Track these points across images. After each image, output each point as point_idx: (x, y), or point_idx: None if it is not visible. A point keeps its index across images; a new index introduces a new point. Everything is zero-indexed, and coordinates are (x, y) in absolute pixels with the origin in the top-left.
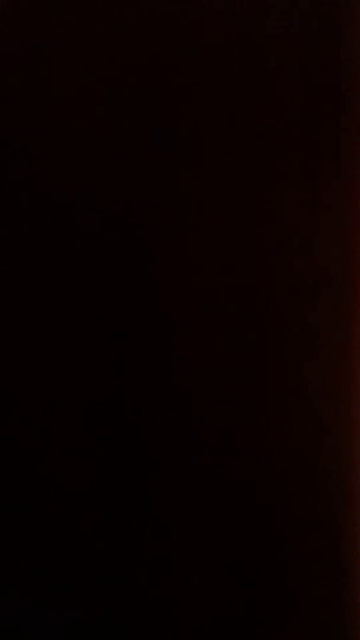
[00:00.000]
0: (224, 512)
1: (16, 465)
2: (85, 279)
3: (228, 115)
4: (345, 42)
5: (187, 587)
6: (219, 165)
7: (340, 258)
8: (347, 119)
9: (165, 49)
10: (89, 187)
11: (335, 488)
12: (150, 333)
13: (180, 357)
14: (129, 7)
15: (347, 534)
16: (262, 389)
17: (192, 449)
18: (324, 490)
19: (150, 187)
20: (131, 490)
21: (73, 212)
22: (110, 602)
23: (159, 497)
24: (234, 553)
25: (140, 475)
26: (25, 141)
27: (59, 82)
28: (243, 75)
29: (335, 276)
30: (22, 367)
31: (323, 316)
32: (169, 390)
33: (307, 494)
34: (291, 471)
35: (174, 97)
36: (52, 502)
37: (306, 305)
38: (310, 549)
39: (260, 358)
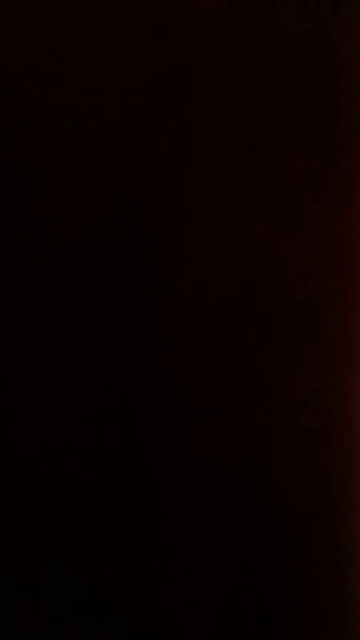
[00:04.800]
0: (224, 506)
1: (15, 460)
2: (85, 273)
3: (231, 107)
4: (347, 38)
5: (187, 580)
6: (221, 160)
7: (344, 252)
8: (350, 114)
9: (167, 48)
10: (89, 182)
11: (336, 484)
12: (150, 331)
13: (180, 350)
14: (132, 5)
15: (348, 529)
16: (263, 381)
17: (193, 443)
18: (326, 486)
19: (151, 182)
20: (130, 488)
21: (73, 204)
22: (108, 593)
23: (159, 491)
24: (235, 547)
25: (140, 471)
26: (25, 134)
27: (61, 70)
28: (245, 67)
29: (339, 270)
30: (19, 358)
31: (327, 312)
32: (168, 386)
33: (309, 490)
34: (292, 467)
35: (176, 91)
36: (50, 499)
37: (310, 300)
38: (311, 545)
39: (261, 352)
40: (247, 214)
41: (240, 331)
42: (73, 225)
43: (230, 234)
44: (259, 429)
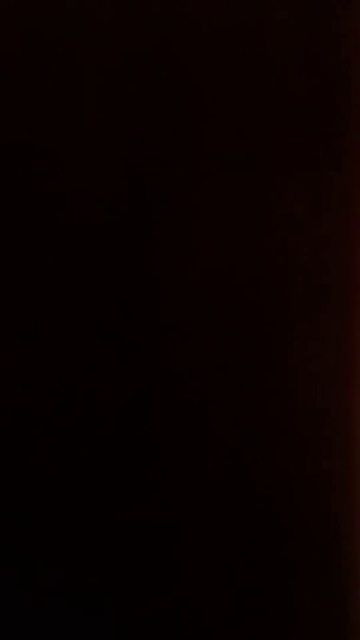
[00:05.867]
0: (224, 506)
1: (13, 453)
2: (86, 271)
3: (233, 112)
4: (348, 40)
5: (186, 581)
6: (222, 163)
7: (344, 255)
8: (352, 116)
9: (170, 49)
10: (91, 180)
11: (336, 483)
12: (151, 332)
13: (181, 351)
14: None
15: (348, 528)
16: (264, 383)
17: (194, 445)
18: (326, 486)
19: (152, 186)
20: (131, 487)
21: (75, 202)
22: (105, 586)
23: (160, 492)
24: (234, 546)
25: (140, 471)
26: (26, 128)
27: (63, 67)
28: (248, 65)
29: (339, 274)
30: (21, 355)
31: (327, 315)
32: (170, 388)
33: (309, 490)
34: (293, 468)
35: (177, 91)
36: (48, 494)
37: (310, 303)
38: (312, 545)
39: (262, 355)
40: (248, 213)
41: (241, 327)
42: (77, 220)
43: (233, 230)
44: (259, 426)
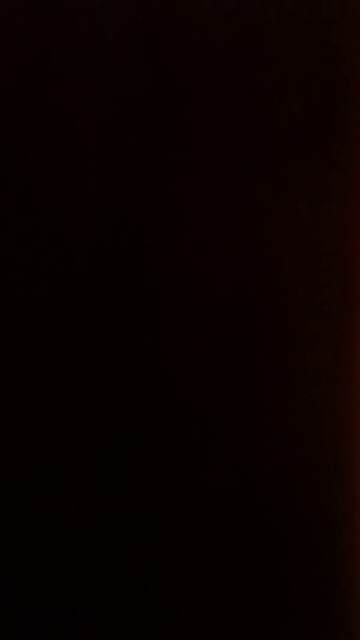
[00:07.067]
0: (223, 508)
1: (11, 455)
2: (82, 275)
3: (227, 106)
4: (348, 40)
5: (185, 581)
6: (218, 161)
7: (341, 253)
8: (350, 114)
9: (165, 48)
10: (86, 185)
11: (335, 483)
12: (147, 331)
13: (177, 352)
14: (129, 7)
15: (348, 529)
16: (262, 383)
17: (191, 444)
18: (325, 486)
19: (148, 183)
20: (128, 490)
21: (71, 207)
22: (103, 588)
23: (157, 491)
24: (234, 547)
25: (138, 472)
26: (23, 139)
27: (57, 76)
28: (243, 68)
29: (337, 270)
30: (16, 354)
31: (328, 317)
32: (166, 389)
33: (308, 490)
34: (291, 467)
35: (173, 94)
36: (47, 492)
37: (308, 301)
38: (311, 545)
39: (260, 354)
40: (246, 213)
41: (238, 330)
42: (72, 226)
43: (230, 231)
44: (258, 427)
